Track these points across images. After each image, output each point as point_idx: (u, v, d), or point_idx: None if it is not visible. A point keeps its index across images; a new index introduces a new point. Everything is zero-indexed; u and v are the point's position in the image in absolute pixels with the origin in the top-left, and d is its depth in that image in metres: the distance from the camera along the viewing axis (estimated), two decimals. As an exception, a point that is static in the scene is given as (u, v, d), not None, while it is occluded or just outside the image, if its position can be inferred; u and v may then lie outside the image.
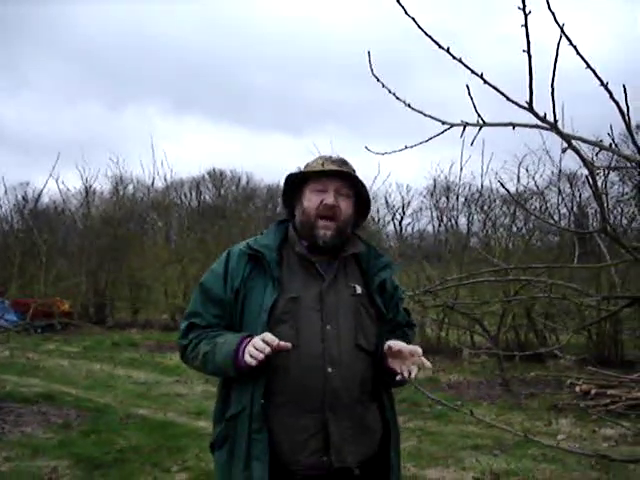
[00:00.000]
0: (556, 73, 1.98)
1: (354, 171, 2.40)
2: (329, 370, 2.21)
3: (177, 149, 54.64)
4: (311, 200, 2.33)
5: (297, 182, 2.40)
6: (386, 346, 2.22)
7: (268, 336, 2.09)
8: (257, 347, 2.07)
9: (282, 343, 2.09)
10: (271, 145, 56.65)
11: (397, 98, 2.29)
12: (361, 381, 2.28)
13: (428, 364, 2.21)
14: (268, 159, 52.96)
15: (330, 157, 2.40)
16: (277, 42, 56.00)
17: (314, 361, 2.21)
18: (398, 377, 2.21)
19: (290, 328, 2.23)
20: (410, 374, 2.18)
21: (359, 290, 2.35)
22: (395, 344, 2.21)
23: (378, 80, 2.29)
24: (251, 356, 2.07)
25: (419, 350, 2.20)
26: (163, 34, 51.13)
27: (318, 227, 2.31)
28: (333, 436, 2.20)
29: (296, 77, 57.93)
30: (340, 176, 2.33)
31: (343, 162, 2.38)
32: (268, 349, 2.05)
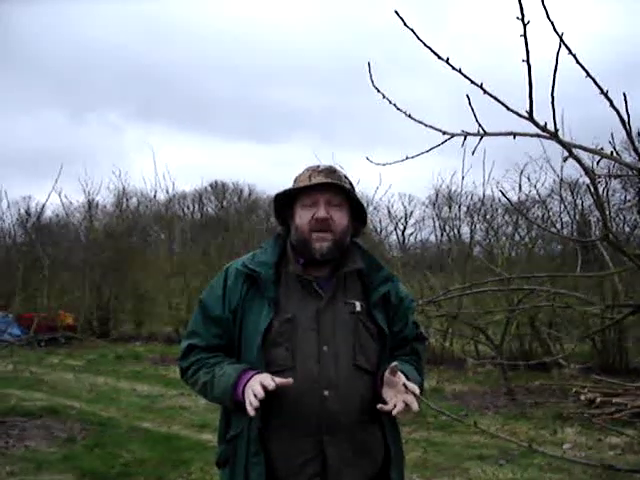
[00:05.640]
0: (556, 82, 1.99)
1: (345, 177, 2.33)
2: (325, 393, 2.16)
3: (146, 159, 54.39)
4: (302, 216, 2.27)
5: (288, 198, 2.34)
6: (393, 363, 2.14)
7: (266, 380, 2.04)
8: (254, 391, 2.02)
9: (281, 381, 2.05)
10: (239, 153, 56.68)
11: (398, 109, 2.30)
12: (360, 402, 2.21)
13: (415, 407, 2.09)
14: (237, 167, 53.10)
15: (317, 167, 2.32)
16: (228, 45, 55.90)
17: (309, 384, 2.16)
18: (379, 406, 2.12)
19: (285, 350, 2.19)
20: (395, 409, 2.09)
21: (358, 307, 2.28)
22: (399, 374, 2.13)
23: (378, 91, 2.29)
24: (250, 402, 2.02)
25: (416, 389, 2.11)
26: (115, 42, 50.13)
27: (313, 241, 2.24)
28: (331, 460, 2.15)
29: (257, 83, 57.91)
30: (329, 187, 2.26)
31: (331, 171, 2.31)
32: (262, 394, 2.00)
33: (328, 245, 2.25)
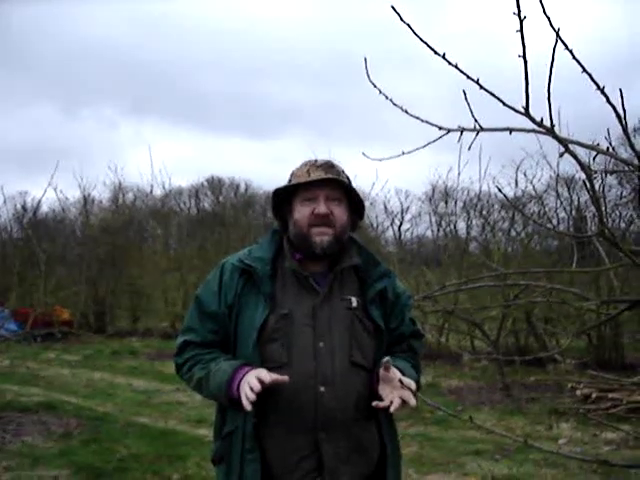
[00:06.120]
0: (552, 78, 1.99)
1: (343, 172, 2.31)
2: (321, 389, 2.14)
3: (142, 154, 53.91)
4: (301, 211, 2.25)
5: (286, 193, 2.32)
6: (385, 358, 2.12)
7: (262, 373, 2.03)
8: (250, 384, 2.01)
9: (277, 377, 2.04)
10: (234, 148, 56.56)
11: (394, 104, 2.30)
12: (357, 399, 2.20)
13: (413, 402, 2.08)
14: (233, 162, 53.09)
15: (315, 162, 2.30)
16: (224, 40, 55.64)
17: (305, 380, 2.14)
18: (375, 403, 2.11)
19: (281, 346, 2.17)
20: (392, 406, 2.07)
21: (354, 303, 2.26)
22: (394, 369, 2.12)
23: (375, 86, 2.29)
24: (246, 396, 2.00)
25: (412, 385, 2.11)
26: (109, 38, 49.29)
27: (312, 235, 2.22)
28: (326, 457, 2.14)
29: (252, 78, 57.65)
30: (329, 182, 2.24)
31: (329, 165, 2.28)
32: (258, 387, 1.99)
33: (329, 239, 2.23)
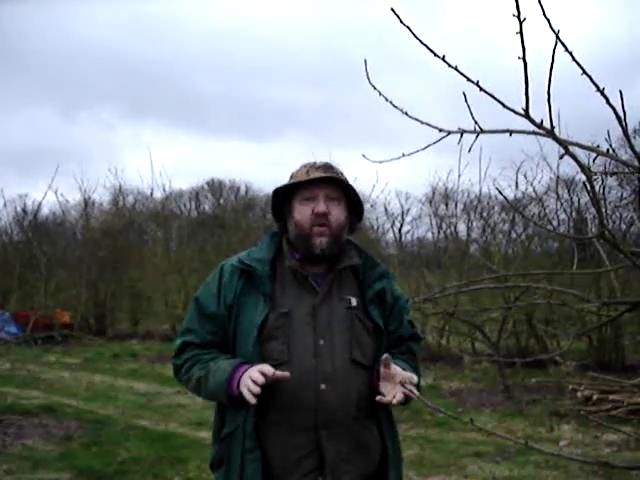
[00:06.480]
0: (552, 79, 1.99)
1: (341, 173, 2.33)
2: (322, 387, 2.15)
3: (142, 157, 53.80)
4: (302, 211, 2.27)
5: (285, 194, 2.34)
6: (384, 356, 2.14)
7: (265, 367, 2.05)
8: (252, 378, 2.02)
9: (279, 373, 2.05)
10: (234, 151, 56.87)
11: (394, 106, 2.29)
12: (357, 397, 2.21)
13: (416, 394, 2.12)
14: (233, 165, 53.23)
15: (314, 163, 2.32)
16: (223, 42, 55.72)
17: (306, 378, 2.15)
18: (378, 397, 2.14)
19: (281, 344, 2.18)
20: (394, 399, 2.10)
21: (354, 302, 2.28)
22: (394, 366, 2.15)
23: (375, 88, 2.29)
24: (249, 389, 2.02)
25: (414, 378, 2.14)
26: (106, 40, 49.50)
27: (313, 236, 2.24)
28: (327, 456, 2.14)
29: (251, 81, 57.85)
30: (328, 182, 2.27)
31: (328, 167, 2.31)
32: (262, 379, 2.01)
33: (327, 240, 2.25)
